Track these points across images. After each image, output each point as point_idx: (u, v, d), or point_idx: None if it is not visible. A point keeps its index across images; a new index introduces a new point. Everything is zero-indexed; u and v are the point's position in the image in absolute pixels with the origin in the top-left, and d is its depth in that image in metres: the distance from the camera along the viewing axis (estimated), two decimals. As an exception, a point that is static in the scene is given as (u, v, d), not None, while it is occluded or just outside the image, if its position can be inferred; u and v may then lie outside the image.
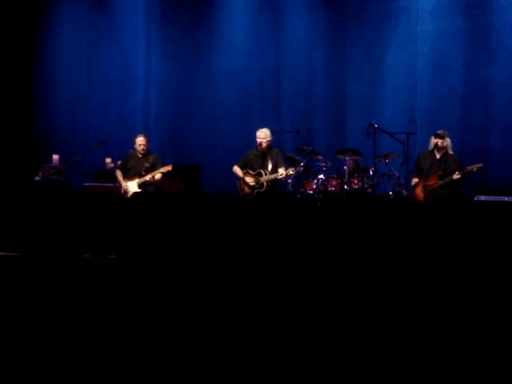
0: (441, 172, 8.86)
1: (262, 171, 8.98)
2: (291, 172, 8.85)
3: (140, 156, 9.40)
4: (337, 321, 4.19)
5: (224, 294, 4.82)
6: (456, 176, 8.64)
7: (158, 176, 9.20)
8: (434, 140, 9.10)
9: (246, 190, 9.07)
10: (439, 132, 9.10)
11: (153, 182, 9.23)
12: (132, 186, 9.22)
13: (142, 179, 9.18)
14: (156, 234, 6.82)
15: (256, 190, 8.96)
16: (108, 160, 11.43)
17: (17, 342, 3.66)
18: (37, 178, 11.12)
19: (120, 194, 9.33)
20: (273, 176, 8.86)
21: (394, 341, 3.83)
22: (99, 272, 5.87)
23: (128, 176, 9.41)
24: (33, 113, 13.16)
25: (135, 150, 9.49)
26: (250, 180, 9.03)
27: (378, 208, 9.13)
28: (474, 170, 8.60)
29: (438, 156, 9.06)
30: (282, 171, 8.84)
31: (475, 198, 9.40)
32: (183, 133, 12.96)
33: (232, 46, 12.77)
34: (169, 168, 9.15)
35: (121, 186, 9.34)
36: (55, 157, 11.45)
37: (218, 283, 5.15)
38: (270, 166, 9.00)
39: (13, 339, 3.71)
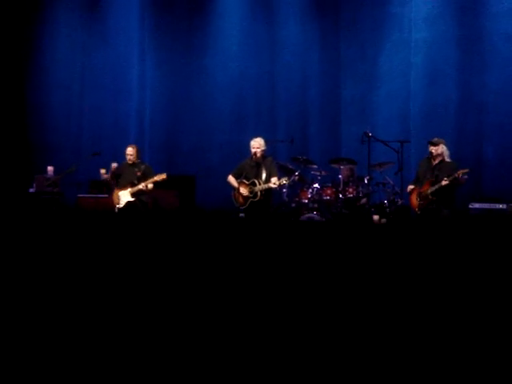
0: (433, 179, 8.87)
1: (256, 181, 8.98)
2: (284, 182, 8.85)
3: (130, 165, 9.43)
4: (335, 321, 4.18)
5: (220, 301, 4.80)
6: (444, 182, 8.66)
7: (150, 185, 9.18)
8: (429, 148, 9.13)
9: (240, 199, 9.08)
10: (433, 140, 9.11)
11: (146, 192, 9.22)
12: (124, 195, 9.22)
13: (135, 188, 9.18)
14: (149, 249, 6.79)
15: (250, 200, 8.96)
16: (102, 171, 11.41)
17: (17, 341, 3.65)
18: (31, 190, 11.09)
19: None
20: (266, 185, 8.86)
21: (386, 352, 3.82)
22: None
23: (120, 184, 9.41)
24: (26, 120, 13.14)
25: (126, 160, 9.54)
26: (244, 190, 9.03)
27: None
28: (460, 175, 8.59)
29: (434, 163, 9.07)
30: (275, 181, 8.84)
31: (469, 206, 9.41)
32: (177, 139, 12.95)
33: (226, 52, 12.78)
34: (163, 176, 9.13)
35: (114, 198, 9.35)
36: (50, 168, 11.43)
37: (213, 297, 5.13)
38: (263, 176, 9.00)
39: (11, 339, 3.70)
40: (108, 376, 3.29)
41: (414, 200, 9.02)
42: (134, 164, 9.39)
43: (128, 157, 9.47)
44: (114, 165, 10.20)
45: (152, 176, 9.21)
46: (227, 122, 12.70)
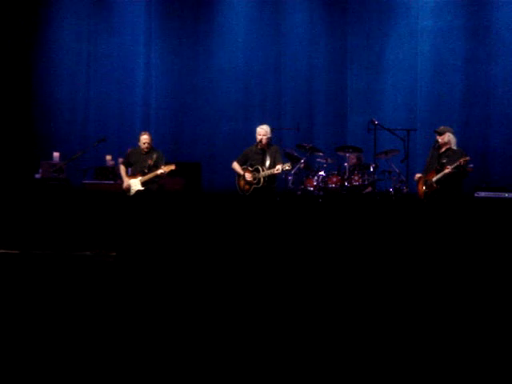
0: (438, 167, 8.86)
1: (260, 167, 8.98)
2: (287, 167, 8.83)
3: (144, 153, 9.35)
4: (337, 316, 4.19)
5: (224, 290, 4.82)
6: (447, 170, 8.65)
7: (160, 171, 9.09)
8: (436, 137, 9.12)
9: (244, 185, 9.09)
10: (438, 129, 9.09)
11: (155, 180, 9.17)
12: (135, 184, 9.18)
13: (146, 177, 9.14)
14: (157, 231, 6.82)
15: (253, 186, 8.97)
16: (108, 157, 11.39)
17: (17, 340, 3.66)
18: (37, 176, 11.09)
19: (121, 190, 9.30)
20: (269, 172, 8.86)
21: (394, 334, 3.83)
22: (100, 270, 5.87)
23: (131, 172, 9.37)
24: (32, 108, 13.13)
25: (139, 146, 9.43)
26: (248, 176, 9.04)
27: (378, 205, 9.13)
28: (462, 163, 8.57)
29: (440, 152, 9.05)
30: (278, 167, 8.82)
31: (475, 195, 9.41)
32: (183, 128, 12.93)
33: (232, 41, 12.74)
34: (172, 167, 9.07)
35: (123, 181, 9.30)
36: (56, 154, 11.41)
37: (218, 280, 5.15)
38: (268, 163, 9.00)
39: (13, 336, 3.71)
40: (108, 374, 3.29)
41: (421, 187, 9.02)
42: (147, 152, 9.31)
43: (144, 145, 9.30)
44: (129, 150, 10.18)
45: (162, 165, 9.14)
46: (233, 110, 12.67)
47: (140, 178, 9.17)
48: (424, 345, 3.66)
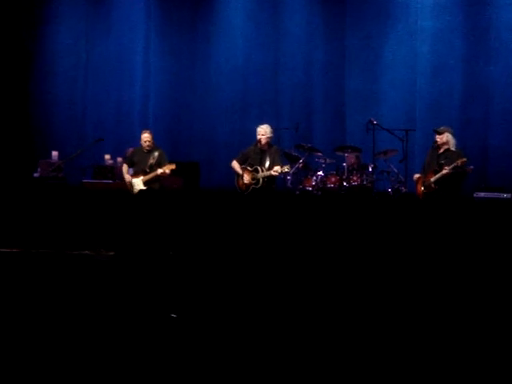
0: (437, 167, 8.86)
1: (259, 168, 8.97)
2: (286, 169, 8.84)
3: (145, 152, 9.36)
4: (337, 314, 4.19)
5: (224, 288, 4.82)
6: (445, 171, 8.66)
7: (161, 171, 9.11)
8: (435, 137, 9.12)
9: (243, 185, 9.08)
10: (438, 129, 9.09)
11: (158, 179, 9.19)
12: (137, 184, 9.19)
13: (147, 177, 9.15)
14: (156, 229, 6.82)
15: (252, 186, 8.96)
16: (107, 156, 11.39)
17: (17, 338, 3.65)
18: (35, 175, 11.08)
19: (119, 189, 9.31)
20: (268, 173, 8.85)
21: (393, 333, 3.83)
22: (99, 269, 5.87)
23: (133, 171, 9.38)
24: (31, 108, 13.12)
25: (141, 145, 9.44)
26: (246, 178, 9.02)
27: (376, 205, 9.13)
28: (459, 164, 8.58)
29: (439, 152, 9.05)
30: (277, 168, 8.82)
31: (474, 195, 9.41)
32: (181, 127, 12.92)
33: (231, 40, 12.73)
34: (172, 167, 9.09)
35: (125, 180, 9.31)
36: (54, 153, 11.41)
37: (217, 277, 5.15)
38: (267, 164, 8.99)
39: (13, 335, 3.70)
40: (108, 373, 3.29)
41: (419, 188, 9.02)
42: (149, 151, 9.32)
43: (146, 143, 9.32)
44: (131, 149, 10.17)
45: (164, 163, 9.16)
46: (231, 110, 12.66)
47: (142, 177, 9.18)
48: (424, 344, 3.66)
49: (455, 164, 8.58)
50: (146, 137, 9.35)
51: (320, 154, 10.40)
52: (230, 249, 6.37)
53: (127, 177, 9.31)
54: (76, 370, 3.26)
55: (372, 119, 9.94)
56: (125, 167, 9.47)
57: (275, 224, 7.00)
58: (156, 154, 9.27)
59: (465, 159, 8.60)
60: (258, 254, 6.05)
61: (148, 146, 9.31)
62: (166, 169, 9.04)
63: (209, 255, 6.12)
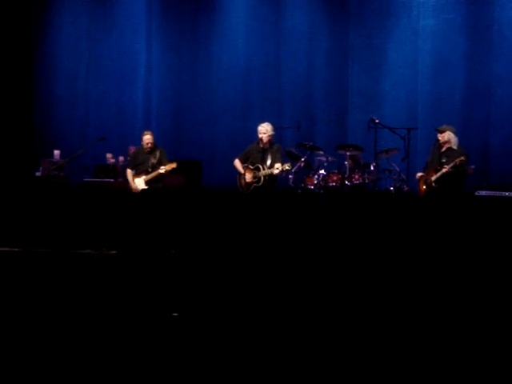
0: (438, 166, 8.86)
1: (261, 166, 8.98)
2: (287, 167, 8.84)
3: (146, 152, 9.41)
4: (337, 313, 4.19)
5: (226, 287, 4.82)
6: (445, 169, 8.65)
7: (162, 170, 9.16)
8: (437, 135, 9.11)
9: (244, 183, 9.09)
10: (440, 127, 9.09)
11: (160, 179, 9.24)
12: (139, 183, 9.25)
13: (149, 176, 9.20)
14: (158, 227, 6.83)
15: (254, 185, 8.97)
16: (109, 155, 11.41)
17: (18, 337, 3.66)
18: (37, 174, 11.09)
19: (121, 188, 9.34)
20: (269, 171, 8.86)
21: (393, 333, 3.83)
22: (101, 268, 5.87)
23: (135, 171, 9.42)
24: (33, 107, 13.13)
25: (142, 145, 9.49)
26: (248, 177, 9.04)
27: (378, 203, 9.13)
28: (458, 162, 8.57)
29: (441, 151, 9.05)
30: (278, 166, 8.82)
31: (476, 193, 9.40)
32: (183, 127, 12.92)
33: (233, 39, 12.72)
34: (173, 166, 9.16)
35: (131, 185, 9.35)
36: (56, 152, 11.43)
37: (219, 276, 5.15)
38: (268, 162, 9.00)
39: (14, 334, 3.71)
40: (108, 372, 3.29)
41: (421, 186, 9.02)
42: (150, 151, 9.37)
43: (147, 145, 9.39)
44: (132, 149, 10.19)
45: (165, 162, 9.19)
46: (233, 108, 12.66)
47: (144, 177, 9.24)
48: (423, 344, 3.66)
49: (454, 163, 8.58)
50: (147, 138, 9.43)
51: (322, 152, 10.40)
52: (232, 247, 6.38)
53: (132, 183, 9.36)
54: (79, 369, 3.26)
55: (374, 117, 9.93)
56: (129, 172, 9.48)
57: (277, 222, 7.00)
58: (157, 153, 9.33)
59: (463, 158, 8.59)
60: (260, 253, 6.05)
61: (149, 147, 9.38)
62: (168, 167, 9.10)
63: (211, 254, 6.12)
